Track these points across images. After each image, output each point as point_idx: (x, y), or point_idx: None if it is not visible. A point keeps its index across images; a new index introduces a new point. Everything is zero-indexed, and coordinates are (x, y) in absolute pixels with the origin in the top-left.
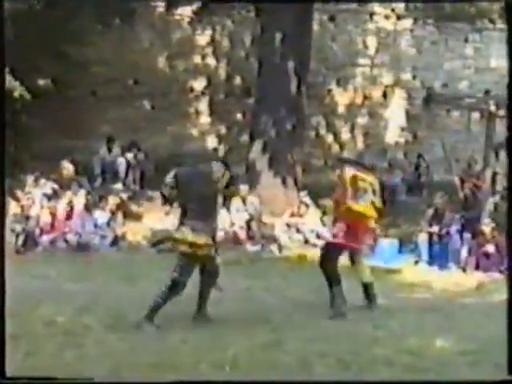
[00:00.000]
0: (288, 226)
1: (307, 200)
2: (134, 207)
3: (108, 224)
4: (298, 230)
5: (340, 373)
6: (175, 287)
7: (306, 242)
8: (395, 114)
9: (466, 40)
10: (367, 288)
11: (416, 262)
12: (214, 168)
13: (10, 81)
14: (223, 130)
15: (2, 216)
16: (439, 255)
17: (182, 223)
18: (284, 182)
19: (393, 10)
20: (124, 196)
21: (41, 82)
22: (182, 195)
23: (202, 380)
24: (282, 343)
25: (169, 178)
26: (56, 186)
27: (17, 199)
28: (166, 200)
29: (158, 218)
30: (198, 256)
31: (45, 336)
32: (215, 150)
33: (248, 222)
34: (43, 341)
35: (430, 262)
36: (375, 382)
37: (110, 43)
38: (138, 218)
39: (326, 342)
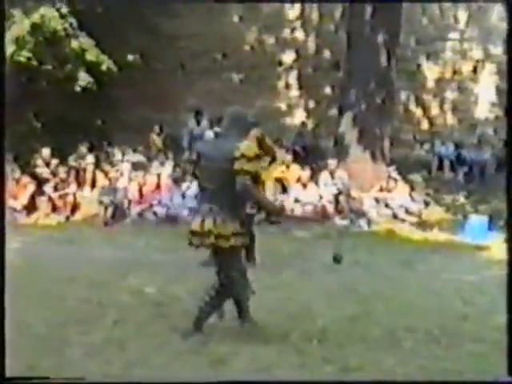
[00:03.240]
0: (377, 200)
1: (396, 175)
2: None
3: (196, 196)
4: (386, 205)
5: (428, 346)
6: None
7: (395, 216)
8: (485, 89)
9: None
10: None
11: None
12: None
13: (97, 54)
14: (312, 104)
15: (2, 211)
16: None
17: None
18: (373, 156)
19: None
20: None
21: (129, 55)
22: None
23: (203, 381)
24: (370, 316)
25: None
26: (143, 158)
27: (104, 172)
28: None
29: None
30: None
31: (133, 306)
32: (303, 123)
33: (336, 196)
34: (131, 310)
35: None
36: (375, 382)
37: (199, 16)
38: None
39: (414, 316)
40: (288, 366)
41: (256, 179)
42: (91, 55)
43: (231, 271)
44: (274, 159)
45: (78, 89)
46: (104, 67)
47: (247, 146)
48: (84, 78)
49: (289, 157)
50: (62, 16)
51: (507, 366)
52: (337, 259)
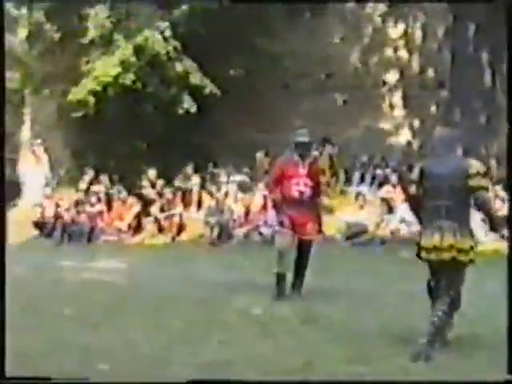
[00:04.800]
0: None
1: (504, 194)
2: (325, 200)
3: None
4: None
5: None
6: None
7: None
8: None
9: None
10: None
11: None
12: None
13: (201, 78)
14: (417, 123)
15: (3, 212)
16: None
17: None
18: None
19: None
20: None
21: (232, 75)
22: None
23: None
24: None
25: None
26: (247, 179)
27: (210, 192)
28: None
29: (351, 211)
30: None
31: (238, 325)
32: (409, 143)
33: None
34: (237, 330)
35: None
36: (375, 382)
37: (301, 36)
38: (330, 210)
39: None
40: None
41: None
42: (195, 78)
43: (461, 285)
44: None
45: (181, 111)
46: (207, 91)
47: (478, 163)
48: (188, 101)
49: (395, 177)
50: (165, 39)
51: (507, 366)
52: None
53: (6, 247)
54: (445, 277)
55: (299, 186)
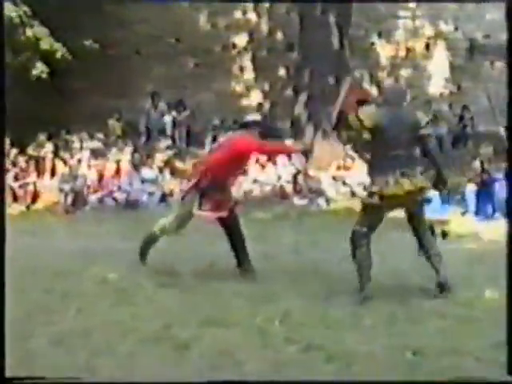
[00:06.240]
0: (334, 179)
1: (352, 153)
2: (179, 164)
3: (155, 181)
4: (344, 183)
5: (389, 326)
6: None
7: (353, 194)
8: (438, 66)
9: None
10: None
11: (463, 213)
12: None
13: (51, 43)
14: (267, 85)
15: (2, 205)
16: (486, 206)
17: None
18: (325, 135)
19: None
20: (170, 153)
21: (84, 42)
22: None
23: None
24: (332, 297)
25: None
26: (101, 145)
27: (64, 160)
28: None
29: None
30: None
31: (97, 294)
32: (260, 105)
33: (295, 176)
34: (95, 299)
35: (477, 213)
36: (375, 382)
37: (149, 1)
38: (184, 174)
39: (377, 295)
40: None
41: None
42: (45, 44)
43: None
44: None
45: (33, 77)
46: (58, 55)
47: (424, 115)
48: (39, 67)
49: None
50: (15, 3)
51: (507, 366)
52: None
53: None
54: (417, 217)
55: None
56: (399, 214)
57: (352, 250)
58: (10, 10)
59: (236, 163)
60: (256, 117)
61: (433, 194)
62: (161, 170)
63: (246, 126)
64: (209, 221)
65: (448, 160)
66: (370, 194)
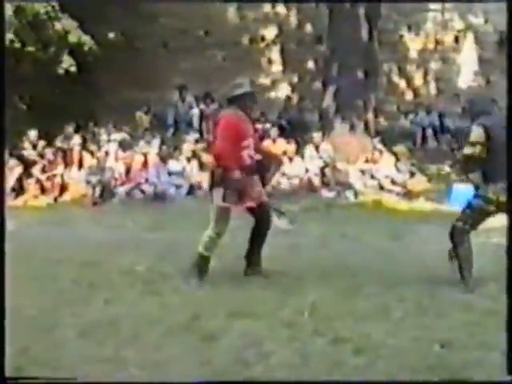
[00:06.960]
0: (362, 172)
1: (381, 146)
2: (207, 157)
3: (183, 174)
4: (372, 176)
5: (416, 318)
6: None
7: (381, 187)
8: (467, 59)
9: None
10: None
11: None
12: None
13: (80, 36)
14: (295, 78)
15: (2, 203)
16: None
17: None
18: (353, 128)
19: None
20: (198, 146)
21: (111, 34)
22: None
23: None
24: (361, 289)
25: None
26: (129, 137)
27: (91, 152)
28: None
29: None
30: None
31: (124, 285)
32: (288, 98)
33: (322, 169)
34: (122, 289)
35: None
36: (375, 382)
37: None
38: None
39: (405, 287)
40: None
41: None
42: (74, 37)
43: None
44: None
45: (61, 71)
46: (86, 48)
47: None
48: (67, 61)
49: (274, 131)
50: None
51: (507, 366)
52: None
53: None
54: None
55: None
56: (424, 206)
57: (453, 246)
58: (38, 5)
59: (229, 141)
60: (239, 90)
61: (461, 187)
62: (188, 162)
63: (230, 101)
64: (238, 212)
65: None
66: (487, 200)
